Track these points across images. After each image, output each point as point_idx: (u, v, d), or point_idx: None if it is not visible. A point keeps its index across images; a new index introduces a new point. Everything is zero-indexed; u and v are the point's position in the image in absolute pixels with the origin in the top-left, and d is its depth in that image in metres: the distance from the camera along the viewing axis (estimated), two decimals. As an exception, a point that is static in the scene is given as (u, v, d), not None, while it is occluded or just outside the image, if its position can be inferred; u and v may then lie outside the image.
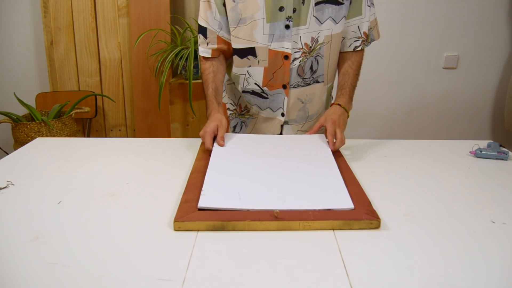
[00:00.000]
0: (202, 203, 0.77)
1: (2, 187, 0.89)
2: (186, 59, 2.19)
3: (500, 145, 1.12)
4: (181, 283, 0.58)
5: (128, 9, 2.36)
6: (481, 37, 2.48)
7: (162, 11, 2.31)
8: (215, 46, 1.17)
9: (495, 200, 0.85)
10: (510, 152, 1.10)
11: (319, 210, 0.75)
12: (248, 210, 0.75)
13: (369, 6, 1.15)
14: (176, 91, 2.26)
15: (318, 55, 1.16)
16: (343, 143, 1.05)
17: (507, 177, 0.98)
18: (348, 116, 1.14)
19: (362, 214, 0.74)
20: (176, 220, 0.72)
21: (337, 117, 1.08)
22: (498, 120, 2.64)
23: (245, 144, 1.07)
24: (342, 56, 1.22)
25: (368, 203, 0.78)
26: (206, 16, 1.15)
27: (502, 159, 1.07)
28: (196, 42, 2.20)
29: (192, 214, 0.74)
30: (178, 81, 2.26)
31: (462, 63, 2.53)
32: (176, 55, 2.18)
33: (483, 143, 1.14)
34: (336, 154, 1.04)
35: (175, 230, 0.72)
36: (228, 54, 1.22)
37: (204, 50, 1.18)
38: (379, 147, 1.16)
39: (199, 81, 2.24)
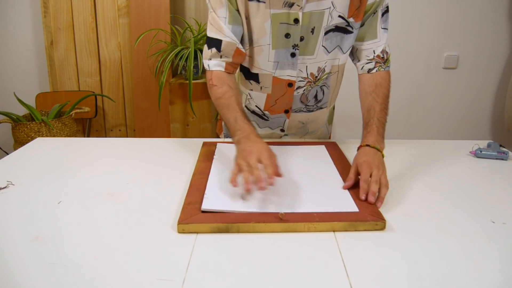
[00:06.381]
0: (205, 206, 0.76)
1: (2, 187, 0.89)
2: (186, 59, 2.18)
3: (500, 145, 1.12)
4: (181, 283, 0.58)
5: (128, 9, 2.36)
6: (481, 37, 2.48)
7: (162, 11, 2.31)
8: (230, 59, 1.01)
9: (495, 200, 0.85)
10: (510, 152, 1.10)
11: (324, 212, 0.75)
12: (252, 213, 0.75)
13: (384, 29, 1.04)
14: (176, 91, 2.26)
15: (324, 85, 1.11)
16: (387, 187, 0.83)
17: (507, 177, 0.97)
18: (383, 156, 0.93)
19: (367, 216, 0.74)
20: (180, 222, 0.72)
21: (370, 158, 0.88)
22: (498, 120, 2.64)
23: None
24: (364, 89, 1.05)
25: (373, 205, 0.78)
26: (221, 27, 0.98)
27: (502, 159, 1.07)
28: (196, 42, 2.21)
29: (196, 216, 0.74)
30: (178, 81, 2.26)
31: (462, 63, 2.53)
32: (176, 55, 2.18)
33: (483, 143, 1.14)
34: (339, 156, 1.04)
35: (179, 232, 0.71)
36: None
37: (218, 63, 1.01)
38: (379, 147, 1.16)
39: (199, 81, 2.24)
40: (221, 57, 1.00)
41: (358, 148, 0.94)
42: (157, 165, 1.02)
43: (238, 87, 1.05)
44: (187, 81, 2.17)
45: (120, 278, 0.59)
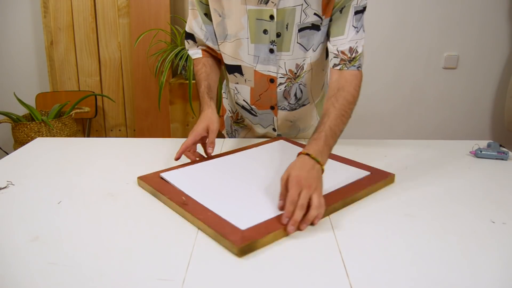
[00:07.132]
0: (164, 175, 0.87)
1: (2, 187, 0.89)
2: (186, 59, 2.19)
3: (500, 145, 1.12)
4: (181, 283, 0.58)
5: (128, 9, 2.37)
6: (481, 37, 2.48)
7: (162, 11, 2.31)
8: (205, 47, 1.15)
9: (495, 200, 0.85)
10: (510, 152, 1.10)
11: (215, 214, 0.72)
12: (179, 191, 0.81)
13: (354, 28, 0.99)
14: (176, 91, 2.26)
15: (301, 84, 1.12)
16: (318, 209, 0.72)
17: (507, 177, 0.97)
18: (322, 171, 0.79)
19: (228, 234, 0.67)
20: (139, 177, 0.88)
21: (304, 173, 0.75)
22: (498, 120, 2.64)
23: (251, 154, 1.05)
24: (328, 94, 0.99)
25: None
26: (192, 25, 1.11)
27: (502, 159, 1.07)
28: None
29: (152, 178, 0.87)
30: (178, 81, 2.26)
31: (462, 63, 2.54)
32: (176, 55, 2.18)
33: (483, 143, 1.14)
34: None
35: (138, 185, 0.87)
36: (220, 58, 1.16)
37: (195, 52, 1.15)
38: (379, 147, 1.16)
39: (199, 81, 2.25)
40: (197, 46, 1.16)
41: (298, 154, 0.82)
42: (157, 165, 1.02)
43: (217, 65, 1.17)
44: (187, 81, 2.17)
45: (120, 278, 0.59)
